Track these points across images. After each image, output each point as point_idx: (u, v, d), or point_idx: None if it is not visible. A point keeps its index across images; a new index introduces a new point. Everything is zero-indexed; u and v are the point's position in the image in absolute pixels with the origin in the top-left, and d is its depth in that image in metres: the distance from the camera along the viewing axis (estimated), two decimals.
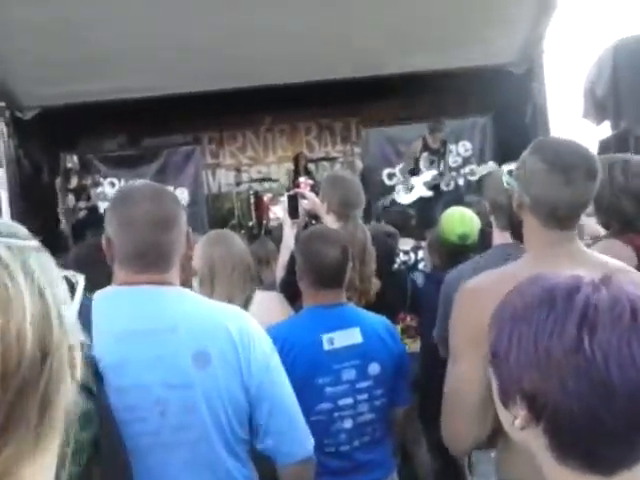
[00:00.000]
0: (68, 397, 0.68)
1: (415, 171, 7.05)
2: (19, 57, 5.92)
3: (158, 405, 1.46)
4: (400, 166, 7.52)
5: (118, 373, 1.43)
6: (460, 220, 2.84)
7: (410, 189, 6.96)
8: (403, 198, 6.97)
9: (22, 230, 0.73)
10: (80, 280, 0.76)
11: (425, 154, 7.01)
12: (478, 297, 1.43)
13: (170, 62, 6.18)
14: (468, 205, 4.12)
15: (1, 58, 5.96)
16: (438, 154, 7.04)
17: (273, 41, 5.94)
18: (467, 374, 1.49)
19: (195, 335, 1.50)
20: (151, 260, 1.52)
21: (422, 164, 7.01)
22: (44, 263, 0.71)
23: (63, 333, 0.68)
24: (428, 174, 6.93)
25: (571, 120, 7.45)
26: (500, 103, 7.59)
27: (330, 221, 2.80)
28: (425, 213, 6.22)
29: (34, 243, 0.72)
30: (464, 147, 7.96)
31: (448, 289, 2.29)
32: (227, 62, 6.27)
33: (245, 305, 2.45)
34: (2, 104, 6.71)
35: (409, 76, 7.07)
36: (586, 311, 0.78)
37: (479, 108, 8.06)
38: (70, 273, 0.77)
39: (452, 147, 7.89)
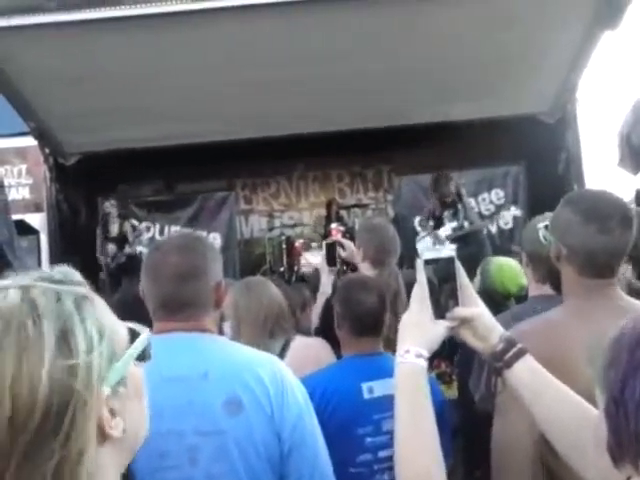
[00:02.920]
0: (92, 460, 0.63)
1: (438, 225, 6.95)
2: (62, 106, 6.17)
3: (190, 452, 1.44)
4: (420, 218, 7.49)
5: (156, 420, 1.42)
6: (520, 272, 2.83)
7: (434, 244, 6.85)
8: (431, 252, 6.84)
9: (75, 275, 0.73)
10: (144, 332, 0.74)
11: (445, 212, 6.92)
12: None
13: (205, 111, 6.36)
14: (515, 253, 4.07)
15: (46, 107, 6.22)
16: (454, 205, 6.90)
17: (305, 92, 6.09)
18: (515, 428, 1.44)
19: (226, 382, 1.49)
20: (175, 309, 1.56)
21: (446, 219, 6.92)
22: (84, 309, 0.69)
23: (89, 387, 0.64)
24: (448, 227, 6.84)
25: (606, 169, 7.40)
26: (532, 152, 7.59)
27: (365, 268, 2.79)
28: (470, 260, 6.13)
29: (82, 290, 0.70)
30: (497, 195, 7.94)
31: None
32: (261, 112, 6.42)
33: (283, 350, 2.43)
34: (46, 151, 6.96)
35: (441, 125, 7.14)
36: None
37: (511, 157, 8.07)
38: (134, 325, 0.75)
39: (485, 195, 7.87)
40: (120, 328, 0.73)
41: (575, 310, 1.57)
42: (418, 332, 1.17)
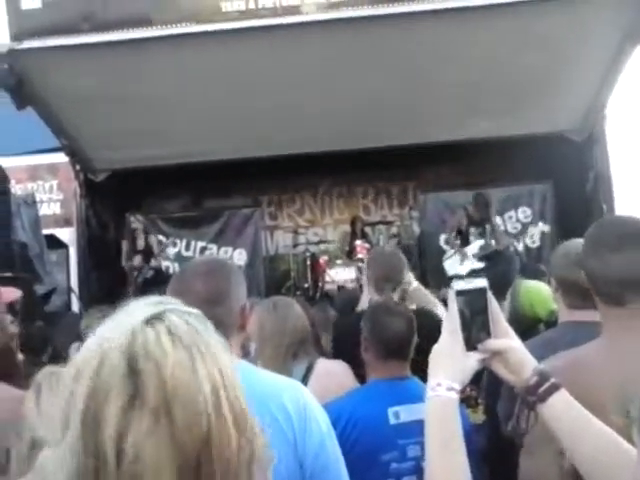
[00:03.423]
0: None
1: (463, 243, 6.90)
2: (93, 124, 6.32)
3: None
4: (445, 236, 7.45)
5: None
6: (550, 296, 2.78)
7: (461, 262, 6.81)
8: (457, 269, 6.81)
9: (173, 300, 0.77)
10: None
11: (472, 229, 6.87)
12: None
13: (231, 129, 6.46)
14: (544, 273, 4.01)
15: (77, 125, 6.37)
16: (483, 224, 6.85)
17: (331, 111, 6.13)
18: (543, 471, 1.41)
19: (249, 407, 1.49)
20: None
21: (471, 237, 6.87)
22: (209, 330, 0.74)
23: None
24: (475, 245, 6.78)
25: (636, 187, 7.28)
26: (560, 170, 7.51)
27: (371, 292, 2.93)
28: (498, 278, 6.06)
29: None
30: (524, 213, 7.86)
31: None
32: (286, 130, 6.49)
33: (306, 374, 2.42)
34: (77, 167, 7.10)
35: (467, 142, 7.13)
36: None
37: (538, 175, 7.99)
38: None
39: (511, 213, 7.80)
40: None
41: (611, 344, 1.53)
42: (450, 364, 1.16)
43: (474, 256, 6.68)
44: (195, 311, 0.74)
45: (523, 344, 2.35)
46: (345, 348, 2.62)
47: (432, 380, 1.16)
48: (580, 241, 2.15)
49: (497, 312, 1.19)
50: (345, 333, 2.71)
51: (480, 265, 6.66)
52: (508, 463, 1.59)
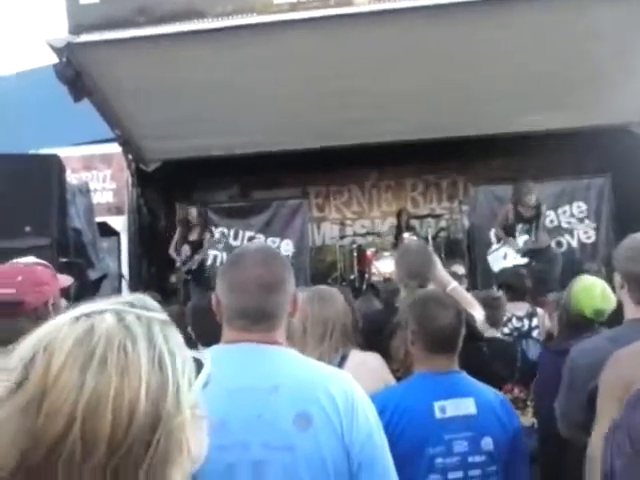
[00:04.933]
0: None
1: (508, 239, 6.70)
2: (144, 116, 6.44)
3: (255, 466, 1.43)
4: (493, 231, 7.25)
5: (220, 431, 1.41)
6: (601, 296, 2.66)
7: (504, 257, 6.63)
8: (500, 264, 6.64)
9: (153, 303, 0.76)
10: (207, 362, 0.76)
11: (520, 226, 6.65)
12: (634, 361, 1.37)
13: (281, 121, 6.46)
14: (587, 273, 3.87)
15: (128, 116, 6.50)
16: (531, 221, 6.63)
17: (381, 102, 6.06)
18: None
19: (296, 396, 1.47)
20: (256, 320, 1.55)
21: (517, 233, 6.66)
22: (169, 335, 0.72)
23: (177, 408, 0.67)
24: (520, 240, 6.58)
25: None
26: (619, 164, 7.23)
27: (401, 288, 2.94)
28: (538, 276, 5.92)
29: (162, 316, 0.74)
30: (579, 208, 7.61)
31: (578, 362, 2.13)
32: (336, 121, 6.46)
33: (340, 364, 2.40)
34: (129, 157, 7.26)
35: (520, 135, 6.94)
36: None
37: (595, 169, 7.73)
38: (198, 354, 0.77)
39: (566, 208, 7.56)
40: (190, 355, 0.75)
41: None
42: None
43: (518, 251, 6.51)
44: (157, 315, 0.73)
45: (584, 342, 2.27)
46: (373, 341, 2.59)
47: None
48: None
49: None
50: (373, 326, 2.68)
51: (524, 260, 6.49)
52: (558, 465, 1.54)
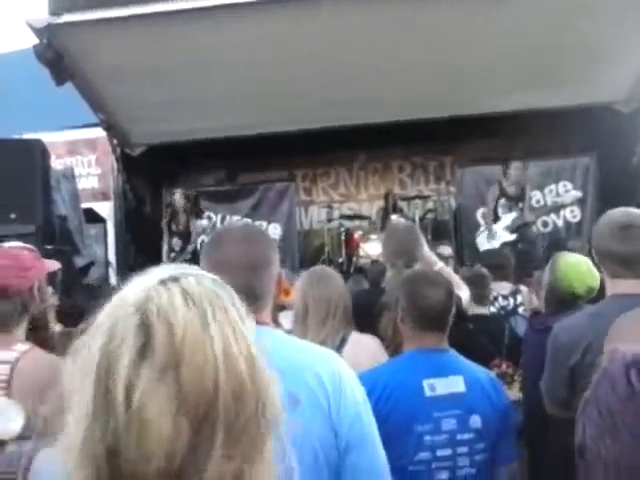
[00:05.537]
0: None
1: (495, 218, 6.77)
2: (129, 99, 6.36)
3: None
4: (483, 210, 7.30)
5: None
6: (589, 272, 2.68)
7: (493, 236, 6.68)
8: (487, 246, 6.70)
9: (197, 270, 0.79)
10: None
11: (502, 200, 6.71)
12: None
13: (267, 103, 6.40)
14: (571, 250, 3.91)
15: (112, 100, 6.42)
16: (515, 199, 6.69)
17: (367, 83, 6.02)
18: None
19: (283, 376, 1.47)
20: (243, 300, 1.53)
21: (500, 211, 6.73)
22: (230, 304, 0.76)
23: (259, 371, 0.72)
24: (508, 218, 6.64)
25: None
26: (604, 143, 7.27)
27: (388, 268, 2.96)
28: (522, 256, 5.97)
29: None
30: (564, 187, 7.65)
31: (559, 339, 2.15)
32: (323, 103, 6.41)
33: (340, 346, 2.40)
34: (114, 142, 7.18)
35: (506, 115, 6.94)
36: None
37: (581, 148, 7.76)
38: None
39: (552, 187, 7.61)
40: None
41: None
42: None
43: (506, 228, 6.57)
44: (215, 277, 0.76)
45: (566, 319, 2.29)
46: (360, 320, 2.60)
47: None
48: (623, 209, 2.07)
49: None
50: (361, 306, 2.68)
51: (513, 237, 6.55)
52: (543, 439, 1.56)
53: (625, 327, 1.39)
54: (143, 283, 0.70)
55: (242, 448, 0.67)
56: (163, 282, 0.69)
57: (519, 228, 6.54)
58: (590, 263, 2.68)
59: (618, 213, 2.05)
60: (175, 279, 0.70)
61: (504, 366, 3.36)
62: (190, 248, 7.19)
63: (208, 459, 0.64)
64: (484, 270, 3.79)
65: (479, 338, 3.23)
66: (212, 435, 0.65)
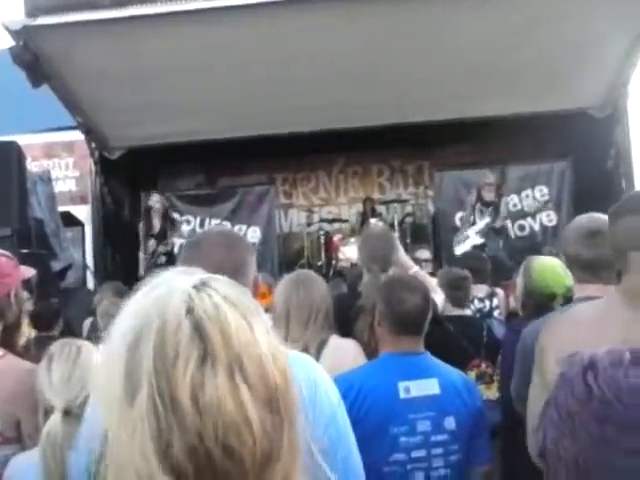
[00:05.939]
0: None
1: (473, 223, 6.88)
2: (107, 102, 6.32)
3: None
4: (461, 214, 7.38)
5: None
6: (565, 273, 2.73)
7: (464, 240, 6.79)
8: (458, 250, 6.78)
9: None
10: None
11: (478, 205, 6.82)
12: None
13: (247, 107, 6.41)
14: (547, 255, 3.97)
15: (90, 103, 6.37)
16: (491, 204, 6.78)
17: (346, 87, 6.06)
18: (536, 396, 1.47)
19: None
20: None
21: (477, 216, 6.83)
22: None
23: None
24: (481, 223, 6.75)
25: None
26: (579, 148, 7.39)
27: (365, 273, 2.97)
28: (497, 260, 6.05)
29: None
30: (540, 192, 7.75)
31: (526, 342, 2.18)
32: (301, 106, 6.43)
33: (319, 349, 2.41)
34: (92, 145, 7.12)
35: (484, 120, 7.02)
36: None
37: (557, 153, 7.87)
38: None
39: (528, 192, 7.70)
40: None
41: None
42: None
43: (478, 232, 6.66)
44: (225, 278, 0.76)
45: (532, 324, 2.32)
46: (337, 323, 2.61)
47: None
48: (590, 215, 2.11)
49: None
50: (338, 309, 2.69)
51: (481, 241, 6.64)
52: (519, 439, 1.59)
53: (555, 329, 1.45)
54: (177, 289, 0.70)
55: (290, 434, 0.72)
56: (197, 287, 0.70)
57: (488, 233, 6.64)
58: (563, 265, 2.73)
59: (585, 219, 2.08)
60: (205, 284, 0.71)
61: (483, 366, 3.40)
62: (167, 251, 7.13)
63: (282, 445, 0.69)
64: (466, 272, 3.82)
65: (459, 339, 3.27)
66: (281, 424, 0.69)
